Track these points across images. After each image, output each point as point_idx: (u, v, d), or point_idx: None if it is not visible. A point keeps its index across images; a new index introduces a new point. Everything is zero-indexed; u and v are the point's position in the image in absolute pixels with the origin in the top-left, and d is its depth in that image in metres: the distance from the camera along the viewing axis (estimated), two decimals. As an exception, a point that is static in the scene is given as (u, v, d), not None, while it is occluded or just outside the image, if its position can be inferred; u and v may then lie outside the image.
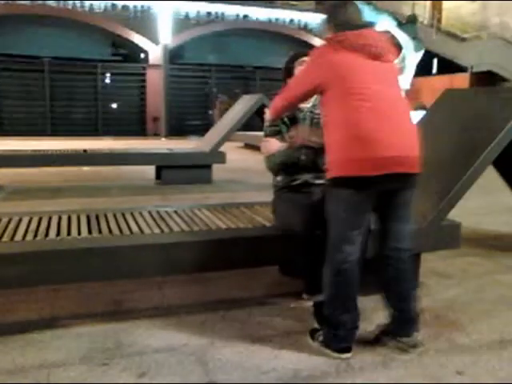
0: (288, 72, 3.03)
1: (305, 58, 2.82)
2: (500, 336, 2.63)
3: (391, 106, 2.32)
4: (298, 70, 2.89)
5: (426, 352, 2.44)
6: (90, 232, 2.85)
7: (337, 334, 2.38)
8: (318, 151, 2.84)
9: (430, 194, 3.01)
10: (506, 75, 16.45)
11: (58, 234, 2.81)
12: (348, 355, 2.37)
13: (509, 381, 2.20)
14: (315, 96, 2.83)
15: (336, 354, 2.37)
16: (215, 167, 7.84)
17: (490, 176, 4.15)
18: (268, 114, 2.81)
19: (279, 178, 3.04)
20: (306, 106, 3.01)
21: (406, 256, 2.45)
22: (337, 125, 2.32)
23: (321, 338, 2.45)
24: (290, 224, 2.70)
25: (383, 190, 2.34)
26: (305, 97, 2.59)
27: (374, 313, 2.88)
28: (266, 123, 3.03)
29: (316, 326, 2.55)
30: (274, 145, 2.95)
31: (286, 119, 3.00)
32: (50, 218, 3.13)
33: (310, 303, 2.71)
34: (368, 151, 2.23)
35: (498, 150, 3.17)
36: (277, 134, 3.00)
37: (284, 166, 2.98)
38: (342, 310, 2.38)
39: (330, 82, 2.33)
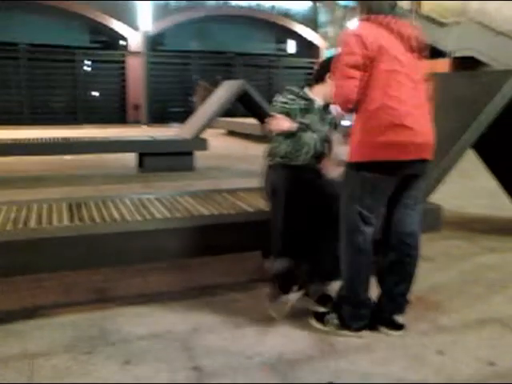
0: (323, 73, 2.95)
1: None
2: (480, 316, 2.67)
3: (420, 92, 2.36)
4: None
5: (408, 333, 2.47)
6: (71, 220, 2.82)
7: (359, 312, 2.43)
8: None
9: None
10: (483, 60, 16.59)
11: (39, 223, 2.77)
12: (365, 333, 2.42)
13: (488, 358, 2.25)
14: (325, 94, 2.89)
15: (355, 333, 2.42)
16: (198, 154, 7.80)
17: (472, 160, 4.20)
18: (339, 108, 2.55)
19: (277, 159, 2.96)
20: (318, 100, 2.96)
21: (414, 242, 2.48)
22: (371, 108, 2.30)
23: (336, 321, 2.45)
24: (275, 192, 2.69)
25: (404, 176, 2.38)
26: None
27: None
28: (279, 100, 2.93)
29: (319, 309, 2.57)
30: (285, 123, 2.78)
31: (302, 104, 2.92)
32: (29, 207, 3.08)
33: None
34: (401, 136, 2.27)
35: (477, 133, 3.20)
36: (286, 114, 2.87)
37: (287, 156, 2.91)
38: (363, 288, 2.43)
39: (370, 62, 2.28)
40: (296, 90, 2.98)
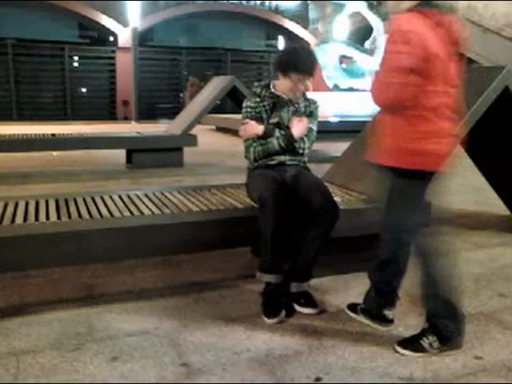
0: (282, 67, 2.95)
1: None
2: (467, 311, 2.69)
3: (453, 99, 2.27)
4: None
5: (396, 328, 2.48)
6: (58, 217, 2.79)
7: (461, 325, 2.28)
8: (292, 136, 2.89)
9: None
10: (472, 56, 16.69)
11: (26, 219, 2.75)
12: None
13: (474, 352, 2.26)
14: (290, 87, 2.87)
15: (454, 351, 2.28)
16: (187, 150, 7.77)
17: (459, 156, 4.22)
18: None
19: (251, 161, 3.01)
20: (284, 94, 2.96)
21: (407, 238, 2.44)
22: (412, 112, 2.17)
23: (437, 344, 2.25)
24: (260, 195, 2.66)
25: None
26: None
27: (345, 291, 2.92)
28: (246, 105, 2.98)
29: (354, 300, 2.58)
30: (254, 128, 2.91)
31: (266, 104, 2.95)
32: (16, 204, 3.05)
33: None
34: (445, 145, 2.21)
35: (465, 129, 3.21)
36: (257, 118, 2.95)
37: (263, 155, 2.94)
38: (457, 296, 2.31)
39: (420, 62, 2.10)
40: (260, 90, 2.99)
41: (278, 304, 2.64)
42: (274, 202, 2.58)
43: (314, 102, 3.09)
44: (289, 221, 2.70)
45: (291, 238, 2.75)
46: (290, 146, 2.91)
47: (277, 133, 2.91)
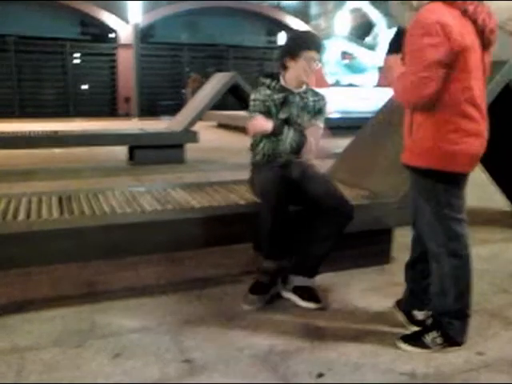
0: (284, 58, 2.88)
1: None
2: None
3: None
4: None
5: (398, 324, 2.48)
6: (61, 213, 2.79)
7: (466, 324, 2.26)
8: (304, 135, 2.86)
9: (402, 169, 3.03)
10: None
11: (28, 216, 2.75)
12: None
13: (477, 348, 2.26)
14: (297, 77, 2.84)
15: (457, 347, 2.25)
16: (188, 147, 7.77)
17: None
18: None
19: (258, 158, 2.97)
20: (299, 89, 2.93)
21: None
22: (447, 111, 2.08)
23: (440, 340, 2.23)
24: (264, 195, 2.64)
25: None
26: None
27: (346, 288, 2.92)
28: (255, 98, 2.87)
29: (408, 332, 2.36)
30: (264, 124, 2.77)
31: (276, 98, 2.87)
32: (19, 200, 3.05)
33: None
34: (482, 146, 2.17)
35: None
36: (265, 112, 2.85)
37: (272, 153, 2.90)
38: (469, 296, 2.26)
39: (452, 54, 2.00)
40: (269, 82, 2.91)
41: (267, 287, 2.69)
42: (275, 196, 2.57)
43: (323, 98, 3.03)
44: (295, 217, 2.72)
45: (300, 234, 2.76)
46: (298, 148, 2.89)
47: (290, 133, 2.83)
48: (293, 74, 2.88)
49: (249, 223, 2.83)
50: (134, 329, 2.43)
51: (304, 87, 2.96)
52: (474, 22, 2.06)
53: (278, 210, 2.57)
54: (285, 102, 2.88)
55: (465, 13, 2.04)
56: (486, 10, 2.09)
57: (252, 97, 2.90)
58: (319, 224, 2.68)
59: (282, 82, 2.91)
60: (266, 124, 2.78)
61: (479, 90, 2.11)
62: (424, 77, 2.00)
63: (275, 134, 2.81)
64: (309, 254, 2.73)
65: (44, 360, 2.14)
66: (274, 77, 2.94)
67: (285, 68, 2.90)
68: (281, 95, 2.88)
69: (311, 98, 2.97)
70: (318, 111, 2.99)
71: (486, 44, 2.12)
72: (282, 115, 2.87)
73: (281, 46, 3.01)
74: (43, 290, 2.86)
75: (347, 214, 2.67)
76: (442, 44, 1.98)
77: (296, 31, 3.08)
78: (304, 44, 2.80)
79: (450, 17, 2.01)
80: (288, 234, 2.69)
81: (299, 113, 2.91)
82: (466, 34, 2.02)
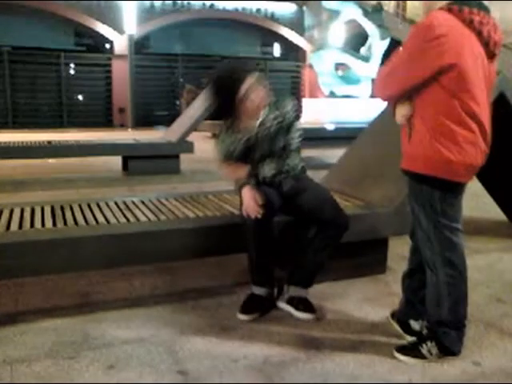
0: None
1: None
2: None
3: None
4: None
5: (394, 334, 2.47)
6: (54, 224, 2.77)
7: (461, 334, 2.24)
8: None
9: (397, 178, 3.04)
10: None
11: (21, 226, 2.72)
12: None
13: (473, 358, 2.25)
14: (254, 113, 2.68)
15: (452, 357, 2.23)
16: (183, 157, 7.76)
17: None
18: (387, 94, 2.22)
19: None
20: (258, 120, 2.73)
21: None
22: (446, 121, 2.07)
23: (435, 350, 2.21)
24: (244, 219, 2.61)
25: None
26: (417, 85, 2.09)
27: (342, 298, 2.91)
28: (220, 140, 2.77)
29: (404, 342, 2.36)
30: (243, 170, 2.69)
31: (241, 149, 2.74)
32: (11, 210, 3.03)
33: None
34: (479, 157, 2.15)
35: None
36: (240, 157, 2.74)
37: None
38: (465, 306, 2.24)
39: (450, 62, 1.99)
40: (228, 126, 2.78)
41: (256, 308, 2.66)
42: (256, 230, 2.56)
43: (285, 106, 2.75)
44: (288, 228, 2.70)
45: (294, 244, 2.76)
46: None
47: (265, 167, 2.74)
48: (249, 113, 2.70)
49: (243, 234, 2.82)
50: (128, 340, 2.40)
51: (262, 113, 2.74)
52: (479, 33, 2.05)
53: (259, 239, 2.58)
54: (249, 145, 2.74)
55: (470, 24, 2.03)
56: (491, 22, 2.08)
57: (219, 138, 2.81)
58: (315, 235, 2.67)
59: (240, 128, 2.74)
60: (243, 171, 2.69)
61: (479, 102, 2.09)
62: (385, 81, 2.16)
63: (251, 175, 2.70)
64: (304, 265, 2.72)
65: (37, 372, 2.12)
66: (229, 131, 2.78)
67: (237, 115, 2.72)
68: (242, 147, 2.73)
69: (271, 116, 2.72)
70: (288, 128, 2.75)
71: (490, 56, 2.11)
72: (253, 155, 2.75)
73: (216, 98, 2.72)
74: (36, 300, 2.83)
75: (343, 225, 2.67)
76: (427, 67, 2.01)
77: (216, 76, 2.75)
78: (239, 78, 2.64)
79: (453, 25, 2.00)
80: (275, 261, 2.71)
81: (270, 141, 2.72)
82: (466, 46, 2.01)
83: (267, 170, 2.76)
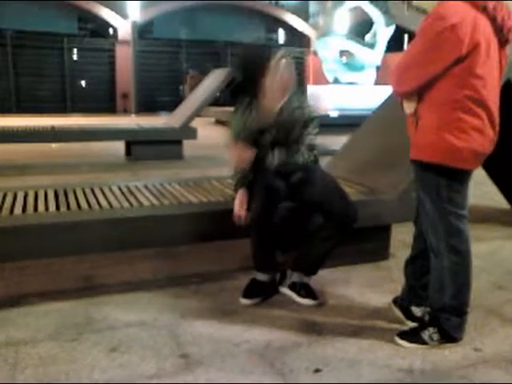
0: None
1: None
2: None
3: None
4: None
5: (395, 320, 2.48)
6: (57, 208, 2.78)
7: (463, 321, 2.25)
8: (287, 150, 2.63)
9: (401, 165, 3.03)
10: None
11: (24, 210, 2.73)
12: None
13: (473, 344, 2.26)
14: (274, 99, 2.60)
15: (454, 344, 2.23)
16: (186, 143, 7.75)
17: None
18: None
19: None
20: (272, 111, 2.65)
21: None
22: (456, 108, 2.06)
23: (437, 336, 2.22)
24: (252, 209, 2.61)
25: None
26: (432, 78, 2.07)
27: (344, 284, 2.92)
28: (237, 116, 2.70)
29: (405, 328, 2.36)
30: (248, 153, 2.58)
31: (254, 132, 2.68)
32: (15, 194, 3.04)
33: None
34: (486, 145, 2.15)
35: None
36: (251, 138, 2.66)
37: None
38: (468, 293, 2.24)
39: (464, 50, 1.98)
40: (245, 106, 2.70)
41: (258, 292, 2.67)
42: (259, 217, 2.56)
43: (305, 100, 2.75)
44: (294, 214, 2.72)
45: (301, 232, 2.77)
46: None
47: (275, 155, 2.61)
48: (272, 93, 2.61)
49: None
50: (131, 323, 2.42)
51: (284, 98, 2.67)
52: (493, 19, 2.03)
53: (262, 225, 2.58)
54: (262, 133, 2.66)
55: (484, 10, 2.01)
56: (505, 8, 2.07)
57: (234, 115, 2.75)
58: (323, 224, 2.66)
59: (256, 117, 2.67)
60: (250, 153, 2.59)
61: (489, 89, 2.07)
62: (401, 77, 2.12)
63: (259, 159, 2.60)
64: (310, 253, 2.72)
65: (40, 354, 2.13)
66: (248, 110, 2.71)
67: (260, 94, 2.62)
68: (260, 120, 2.65)
69: (296, 103, 2.67)
70: (306, 124, 2.68)
71: (503, 42, 2.10)
72: (264, 140, 2.66)
73: (241, 72, 2.66)
74: (39, 283, 2.85)
75: (351, 217, 2.66)
76: (455, 39, 1.96)
77: (243, 54, 2.73)
78: (268, 52, 2.57)
79: (466, 12, 1.98)
80: (278, 247, 2.72)
81: (285, 131, 2.65)
82: (478, 34, 1.99)
83: (275, 157, 2.62)
